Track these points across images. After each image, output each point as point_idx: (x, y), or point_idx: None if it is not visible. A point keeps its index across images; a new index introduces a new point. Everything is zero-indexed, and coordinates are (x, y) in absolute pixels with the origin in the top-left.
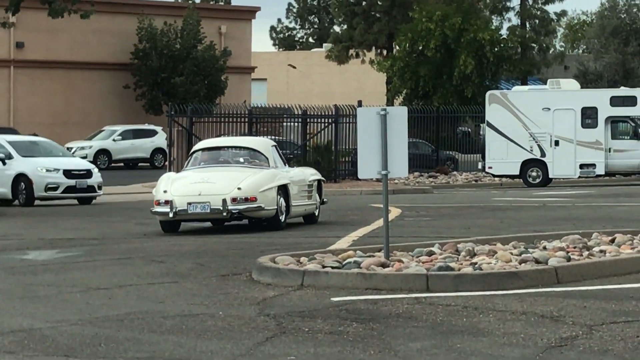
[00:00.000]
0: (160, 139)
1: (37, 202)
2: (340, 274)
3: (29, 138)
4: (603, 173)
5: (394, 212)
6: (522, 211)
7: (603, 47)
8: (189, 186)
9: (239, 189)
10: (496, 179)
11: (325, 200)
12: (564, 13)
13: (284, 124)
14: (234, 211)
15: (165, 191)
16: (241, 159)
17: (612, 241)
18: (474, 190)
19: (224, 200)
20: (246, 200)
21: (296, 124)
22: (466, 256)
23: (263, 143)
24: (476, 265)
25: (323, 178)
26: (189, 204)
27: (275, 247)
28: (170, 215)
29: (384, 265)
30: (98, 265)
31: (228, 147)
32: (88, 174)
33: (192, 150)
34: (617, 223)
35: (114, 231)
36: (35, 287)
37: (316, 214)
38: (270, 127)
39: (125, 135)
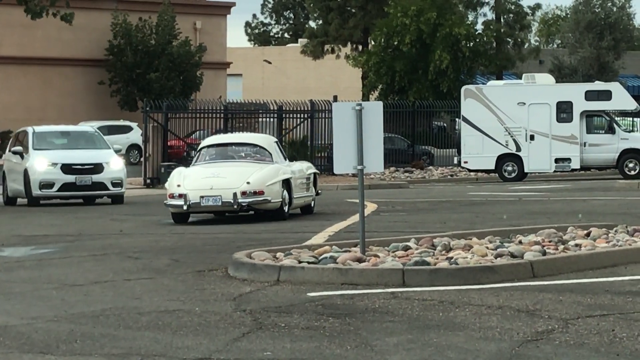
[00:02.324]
0: (135, 135)
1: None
2: (317, 269)
3: (61, 127)
4: (578, 167)
5: (370, 207)
6: (498, 205)
7: (578, 41)
8: (201, 180)
9: (248, 183)
10: (472, 173)
11: (319, 191)
12: (538, 7)
13: (260, 119)
14: (243, 204)
15: (178, 185)
16: (247, 155)
17: (588, 235)
18: (450, 184)
19: (235, 194)
20: (255, 193)
21: (272, 119)
22: (442, 251)
23: (266, 139)
24: (452, 260)
25: (318, 171)
26: (202, 197)
27: (251, 242)
28: (184, 207)
29: (360, 260)
30: (74, 262)
31: (234, 144)
32: (96, 168)
33: (199, 147)
34: (592, 217)
35: (89, 227)
36: (11, 284)
37: (312, 205)
38: (245, 122)
39: (100, 131)
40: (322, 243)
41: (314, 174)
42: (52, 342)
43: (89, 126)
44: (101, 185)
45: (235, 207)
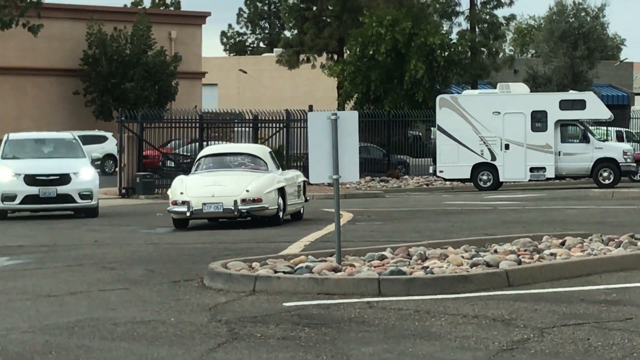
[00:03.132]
0: (110, 145)
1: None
2: (292, 279)
3: (37, 135)
4: (553, 176)
5: (346, 217)
6: (473, 215)
7: (552, 51)
8: (203, 188)
9: (247, 191)
10: (447, 182)
11: (307, 198)
12: (512, 17)
13: (235, 129)
14: (243, 210)
15: (181, 193)
16: (244, 164)
17: (563, 244)
18: (426, 194)
19: (235, 201)
20: (253, 201)
21: (247, 129)
22: (418, 260)
23: (261, 150)
24: (428, 269)
25: (307, 179)
26: (204, 204)
27: (227, 252)
28: (187, 214)
29: (335, 270)
30: (49, 273)
31: (232, 154)
32: (61, 179)
33: (199, 156)
34: (567, 226)
35: (64, 238)
36: None
37: (302, 211)
38: (221, 132)
39: None
40: (298, 253)
41: (304, 182)
42: (26, 354)
43: (68, 133)
44: (67, 198)
45: (235, 213)
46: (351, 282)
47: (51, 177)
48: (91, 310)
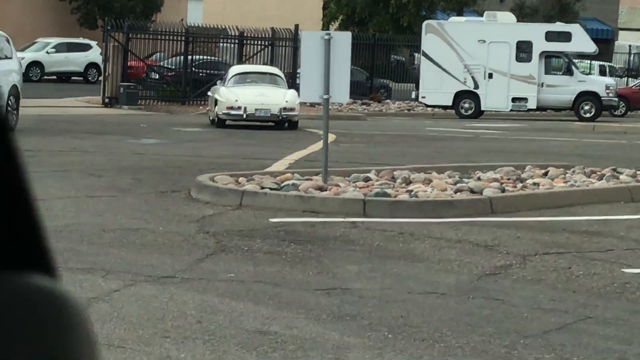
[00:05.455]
0: (94, 54)
1: None
2: (279, 196)
3: None
4: (534, 107)
5: (329, 138)
6: (456, 142)
7: None
8: (254, 97)
9: (286, 101)
10: (428, 109)
11: None
12: None
13: (220, 44)
14: (284, 116)
15: (236, 100)
16: (271, 81)
17: (545, 174)
18: (407, 119)
19: (280, 109)
20: (290, 109)
21: (233, 45)
22: (402, 183)
23: (278, 70)
24: (412, 193)
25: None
26: (256, 109)
27: (212, 166)
28: (244, 116)
29: (321, 189)
30: (34, 178)
31: (260, 72)
32: None
33: (231, 73)
34: (549, 157)
35: (48, 143)
36: None
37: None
38: (206, 47)
39: (59, 48)
40: (284, 170)
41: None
42: None
43: None
44: None
45: (280, 118)
46: (337, 202)
47: None
48: (78, 215)
